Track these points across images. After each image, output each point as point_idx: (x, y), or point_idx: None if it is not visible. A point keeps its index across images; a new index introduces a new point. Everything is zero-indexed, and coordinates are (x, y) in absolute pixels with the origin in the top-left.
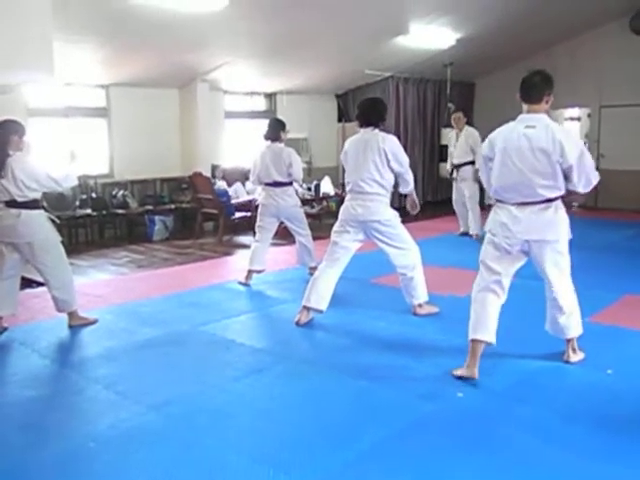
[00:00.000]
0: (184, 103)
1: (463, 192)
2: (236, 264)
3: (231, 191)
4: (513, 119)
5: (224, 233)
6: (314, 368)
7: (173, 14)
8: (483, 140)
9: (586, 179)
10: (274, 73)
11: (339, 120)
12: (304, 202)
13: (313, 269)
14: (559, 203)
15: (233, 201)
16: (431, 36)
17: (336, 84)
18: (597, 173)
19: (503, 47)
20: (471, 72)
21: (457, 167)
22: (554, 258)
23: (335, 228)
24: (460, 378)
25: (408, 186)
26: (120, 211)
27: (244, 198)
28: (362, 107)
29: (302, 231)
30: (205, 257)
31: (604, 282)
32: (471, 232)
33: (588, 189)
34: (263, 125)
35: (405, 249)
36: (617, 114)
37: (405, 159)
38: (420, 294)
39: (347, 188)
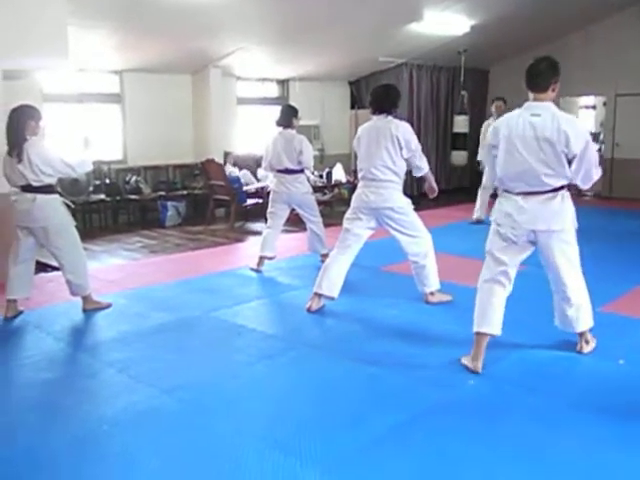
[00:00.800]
0: (197, 89)
1: None
2: (247, 250)
3: (243, 177)
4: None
5: (236, 219)
6: (325, 354)
7: (186, 0)
8: None
9: (586, 173)
10: (287, 59)
11: (352, 107)
12: (316, 189)
13: (324, 256)
14: (565, 192)
15: (245, 188)
16: (445, 23)
17: (349, 71)
18: (600, 169)
19: (518, 34)
20: (485, 59)
21: None
22: (561, 248)
23: (347, 215)
24: (467, 368)
25: (422, 171)
26: (133, 197)
27: (255, 185)
28: (375, 94)
29: (313, 218)
30: (217, 243)
31: (617, 272)
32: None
33: (587, 184)
34: (276, 112)
35: (417, 237)
36: (633, 102)
37: (417, 146)
38: (432, 282)
39: (359, 175)
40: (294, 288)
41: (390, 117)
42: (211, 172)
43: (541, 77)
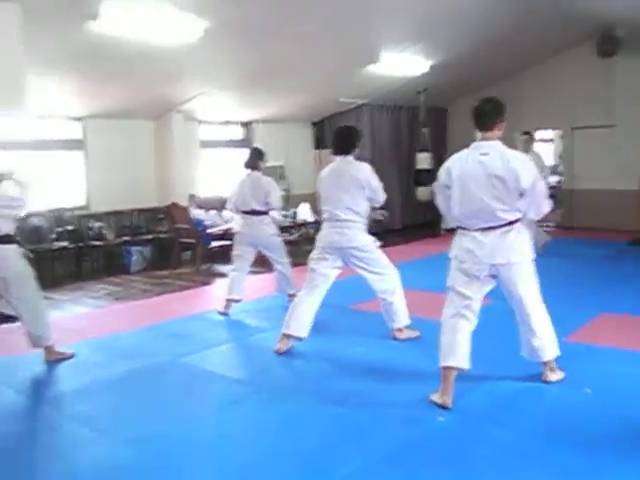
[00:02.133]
0: (159, 134)
1: None
2: (215, 293)
3: (207, 220)
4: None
5: (202, 262)
6: (294, 396)
7: (147, 46)
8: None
9: (536, 207)
10: (250, 103)
11: (316, 147)
12: (282, 229)
13: (292, 296)
14: (520, 225)
15: (210, 230)
16: (404, 64)
17: (312, 112)
18: (549, 201)
19: (475, 72)
20: (444, 98)
21: None
22: (522, 279)
23: (313, 255)
24: (436, 404)
25: (380, 203)
26: (97, 243)
27: (221, 227)
28: (335, 135)
29: (280, 259)
30: (183, 287)
31: (581, 301)
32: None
33: (539, 217)
34: (241, 154)
35: (384, 274)
36: (588, 135)
37: (378, 186)
38: (401, 318)
39: (324, 216)
40: (262, 330)
41: (350, 157)
42: (176, 215)
43: (487, 117)
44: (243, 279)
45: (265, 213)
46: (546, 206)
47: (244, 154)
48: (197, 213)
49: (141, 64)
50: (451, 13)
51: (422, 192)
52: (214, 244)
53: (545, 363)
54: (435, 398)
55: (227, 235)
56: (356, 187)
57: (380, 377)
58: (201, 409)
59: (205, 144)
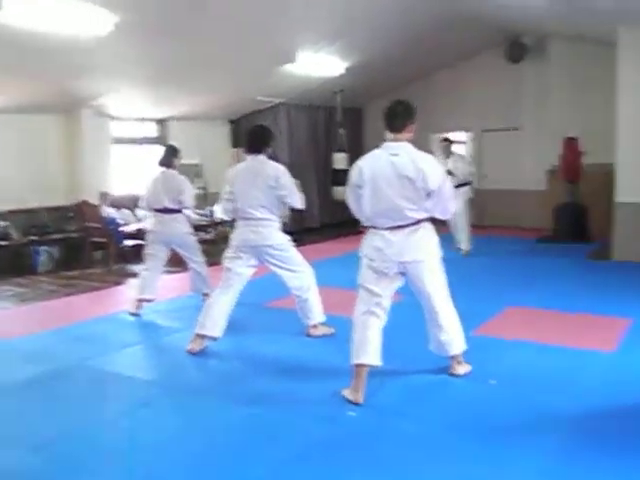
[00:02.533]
0: (69, 130)
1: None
2: (127, 294)
3: (120, 218)
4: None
5: (114, 262)
6: (207, 397)
7: (55, 39)
8: None
9: (443, 207)
10: (164, 99)
11: (233, 145)
12: (199, 228)
13: (207, 296)
14: (427, 224)
15: (123, 229)
16: (320, 64)
17: (229, 110)
18: (454, 202)
19: (390, 74)
20: (360, 99)
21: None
22: (429, 276)
23: (227, 254)
24: (348, 400)
25: (300, 206)
26: (2, 243)
27: (135, 225)
28: (248, 134)
29: (195, 258)
30: (94, 288)
31: (488, 295)
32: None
33: (446, 216)
34: (155, 151)
35: (299, 271)
36: (497, 137)
37: (292, 188)
38: (316, 315)
39: (237, 214)
40: (175, 331)
41: (263, 157)
42: (86, 214)
43: (397, 118)
44: (156, 278)
45: (178, 211)
46: (452, 206)
47: (159, 152)
48: (109, 211)
49: (48, 58)
50: (366, 15)
51: (339, 191)
52: (127, 243)
53: (452, 357)
54: (347, 394)
55: (140, 234)
56: (270, 186)
57: (294, 375)
58: (109, 413)
59: (118, 141)
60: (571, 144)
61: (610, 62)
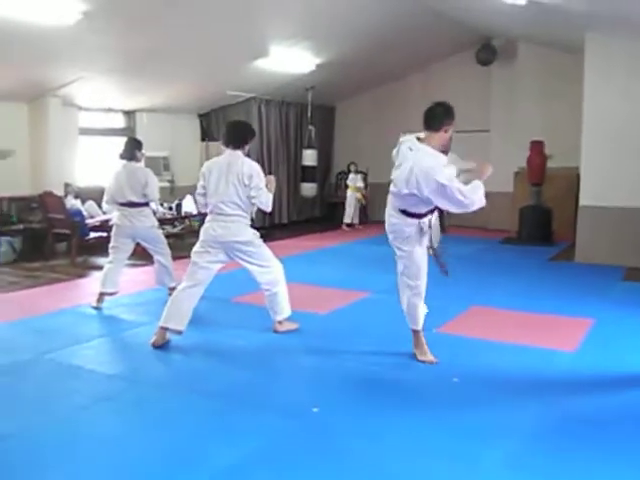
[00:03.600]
0: (34, 119)
1: None
2: (90, 287)
3: (85, 210)
4: (370, 142)
5: (78, 254)
6: (168, 392)
7: (20, 25)
8: None
9: (450, 203)
10: (133, 90)
11: (202, 139)
12: (165, 221)
13: (173, 289)
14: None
15: (88, 221)
16: (292, 60)
17: (198, 103)
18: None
19: (360, 74)
20: (331, 96)
21: None
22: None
23: (195, 249)
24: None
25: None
26: None
27: (99, 218)
28: (227, 128)
29: (161, 251)
30: (56, 280)
31: (452, 294)
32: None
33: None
34: (122, 143)
35: (268, 266)
36: (466, 139)
37: (261, 186)
38: (283, 309)
39: (208, 209)
40: (139, 324)
41: (239, 152)
42: (49, 205)
43: (435, 119)
44: (119, 272)
45: (144, 205)
46: (460, 200)
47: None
48: (73, 203)
49: (12, 44)
50: (340, 12)
51: (307, 188)
52: (92, 235)
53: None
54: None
55: (105, 226)
56: (243, 184)
57: (257, 370)
58: (68, 407)
59: (84, 131)
60: (536, 147)
61: (577, 68)
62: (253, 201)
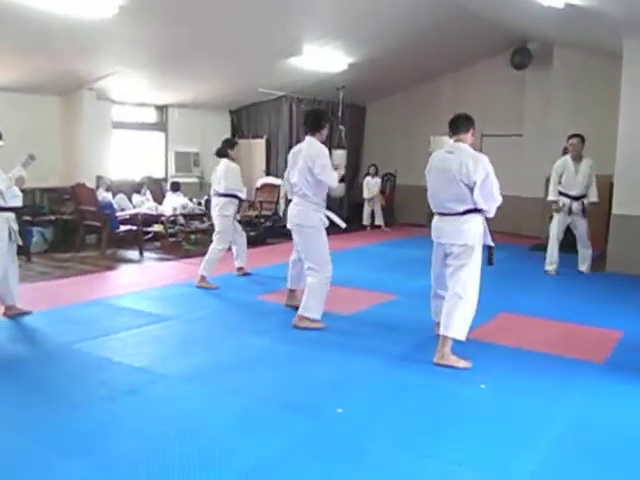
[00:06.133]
0: (67, 111)
1: (574, 226)
2: (118, 279)
3: (116, 203)
4: (400, 144)
5: (107, 247)
6: (195, 386)
7: (58, 19)
8: None
9: (487, 198)
10: (166, 85)
11: (233, 135)
12: (194, 217)
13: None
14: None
15: (118, 214)
16: (324, 59)
17: (230, 100)
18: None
19: (392, 75)
20: (363, 96)
21: (576, 199)
22: (457, 260)
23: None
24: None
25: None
26: None
27: (130, 211)
28: (304, 115)
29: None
30: (86, 271)
31: (482, 301)
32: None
33: (491, 206)
34: (153, 137)
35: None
36: (498, 143)
37: (326, 162)
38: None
39: (288, 195)
40: (166, 318)
41: (311, 138)
42: (81, 197)
43: (461, 125)
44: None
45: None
46: (497, 197)
47: (156, 138)
48: (105, 195)
49: (52, 37)
50: (373, 11)
51: (336, 188)
52: (122, 228)
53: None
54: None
55: (135, 220)
56: (308, 167)
57: (282, 369)
58: (95, 398)
59: (117, 125)
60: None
61: (614, 74)
62: (318, 178)
